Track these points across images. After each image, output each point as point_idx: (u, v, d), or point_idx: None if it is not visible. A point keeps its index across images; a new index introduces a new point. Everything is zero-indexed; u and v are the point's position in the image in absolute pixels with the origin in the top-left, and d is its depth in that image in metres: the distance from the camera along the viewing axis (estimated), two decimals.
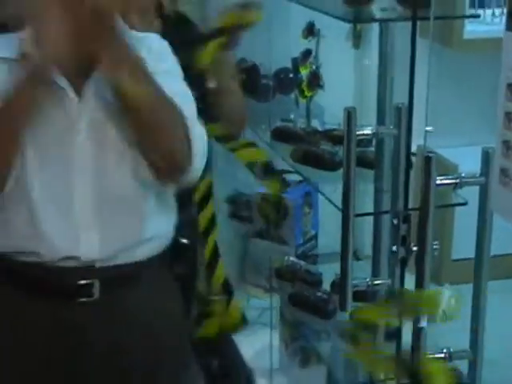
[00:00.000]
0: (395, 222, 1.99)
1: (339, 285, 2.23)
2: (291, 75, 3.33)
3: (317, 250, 3.40)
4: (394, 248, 2.00)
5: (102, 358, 2.23)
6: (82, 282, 2.18)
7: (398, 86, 2.37)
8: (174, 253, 2.36)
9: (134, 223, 2.22)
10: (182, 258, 2.48)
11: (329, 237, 3.23)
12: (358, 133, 2.12)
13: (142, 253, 2.25)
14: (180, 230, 2.38)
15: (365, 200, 2.57)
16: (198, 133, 2.18)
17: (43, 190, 2.18)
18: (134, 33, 2.25)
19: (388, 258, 2.26)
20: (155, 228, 2.26)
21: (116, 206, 2.20)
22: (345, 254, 2.15)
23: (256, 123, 3.12)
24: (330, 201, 2.50)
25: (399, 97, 2.30)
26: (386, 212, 2.28)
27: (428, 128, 2.05)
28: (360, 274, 2.36)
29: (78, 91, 2.11)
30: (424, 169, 1.91)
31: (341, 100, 3.21)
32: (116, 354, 2.25)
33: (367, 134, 2.14)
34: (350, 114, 2.09)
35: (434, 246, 1.93)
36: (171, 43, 2.50)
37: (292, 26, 3.38)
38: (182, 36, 2.86)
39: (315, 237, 3.37)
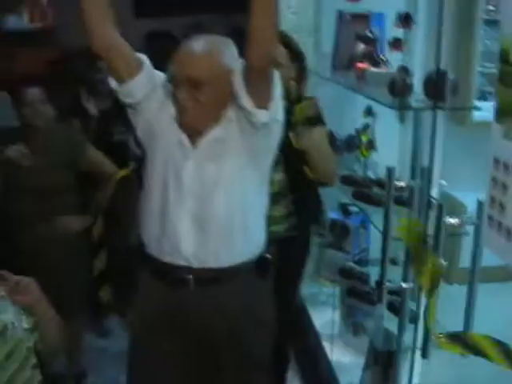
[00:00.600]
0: None
1: (379, 283, 2.26)
2: (355, 140, 3.33)
3: (367, 257, 3.40)
4: None
5: (196, 333, 2.26)
6: (182, 276, 2.22)
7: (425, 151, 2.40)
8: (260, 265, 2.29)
9: (225, 240, 2.19)
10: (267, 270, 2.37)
11: (375, 249, 3.25)
12: (396, 183, 2.17)
13: (231, 261, 2.21)
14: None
15: None
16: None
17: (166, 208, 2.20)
18: None
19: None
20: (243, 245, 2.23)
21: (211, 224, 2.17)
22: (383, 263, 2.18)
23: None
24: (375, 226, 2.53)
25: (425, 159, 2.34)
26: None
27: (443, 182, 2.09)
28: (396, 276, 2.39)
29: (193, 142, 2.16)
30: (437, 212, 1.94)
31: (389, 158, 3.27)
32: (206, 332, 2.26)
33: (402, 186, 2.18)
34: (390, 171, 2.14)
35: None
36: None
37: (358, 105, 3.37)
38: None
39: (367, 249, 3.38)
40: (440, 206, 1.94)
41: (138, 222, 2.34)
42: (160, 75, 2.27)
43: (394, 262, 3.16)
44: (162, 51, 5.41)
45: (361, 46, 3.06)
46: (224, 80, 2.09)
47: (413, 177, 2.28)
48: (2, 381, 2.02)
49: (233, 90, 2.09)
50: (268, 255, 2.32)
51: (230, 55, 2.16)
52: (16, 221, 3.35)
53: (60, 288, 3.37)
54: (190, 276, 2.19)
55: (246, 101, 2.03)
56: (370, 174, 3.10)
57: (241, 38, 5.88)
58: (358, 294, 3.00)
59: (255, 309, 2.29)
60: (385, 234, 2.17)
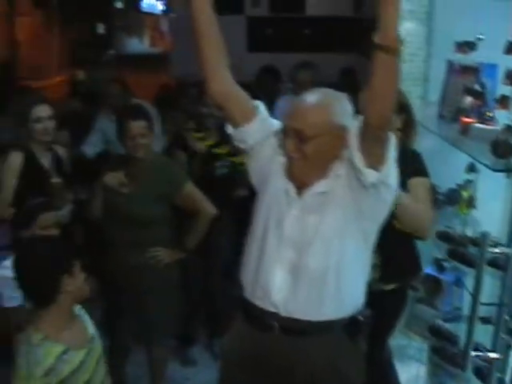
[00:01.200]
0: (507, 318, 1.96)
1: (464, 350, 2.19)
2: (456, 195, 3.19)
3: (460, 316, 3.27)
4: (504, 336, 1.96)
5: (278, 379, 2.26)
6: (269, 322, 2.22)
7: None
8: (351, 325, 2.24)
9: (316, 295, 2.16)
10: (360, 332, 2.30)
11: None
12: (491, 250, 2.10)
13: (319, 316, 2.17)
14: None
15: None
16: None
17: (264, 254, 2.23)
18: None
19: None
20: (335, 302, 2.18)
21: (305, 276, 2.15)
22: (470, 329, 2.11)
23: None
24: (466, 288, 2.46)
25: None
26: (504, 305, 2.22)
27: None
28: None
29: (299, 192, 2.18)
30: None
31: (491, 215, 3.17)
32: (287, 380, 2.25)
33: (497, 252, 2.11)
34: (484, 236, 2.07)
35: None
36: None
37: (462, 159, 3.28)
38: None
39: (460, 308, 3.25)
40: None
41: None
42: (274, 122, 2.33)
43: (487, 321, 3.09)
44: (267, 86, 5.61)
45: (468, 99, 2.99)
46: (333, 135, 2.11)
47: (510, 244, 2.20)
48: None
49: (343, 146, 2.10)
50: (361, 317, 2.28)
51: (342, 111, 2.16)
52: (110, 245, 3.48)
53: (148, 314, 3.49)
54: (276, 323, 2.20)
55: (358, 159, 2.02)
56: (469, 231, 3.01)
57: (349, 78, 5.91)
58: (445, 355, 2.92)
59: (341, 368, 2.25)
60: (474, 301, 2.10)
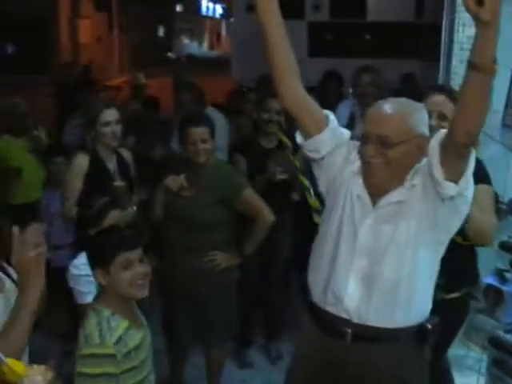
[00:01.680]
0: None
1: None
2: None
3: None
4: None
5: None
6: (341, 328, 2.25)
7: None
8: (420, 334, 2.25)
9: (388, 302, 2.18)
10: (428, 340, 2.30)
11: None
12: None
13: (391, 323, 2.20)
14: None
15: None
16: None
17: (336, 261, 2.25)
18: None
19: None
20: (406, 310, 2.20)
21: (378, 284, 2.18)
22: None
23: None
24: None
25: None
26: None
27: None
28: None
29: (374, 201, 2.20)
30: None
31: None
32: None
33: None
34: None
35: None
36: None
37: None
38: None
39: None
40: None
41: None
42: (344, 131, 2.35)
43: None
44: (331, 91, 5.63)
45: None
46: (412, 142, 2.14)
47: None
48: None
49: (422, 155, 2.13)
50: (429, 325, 2.29)
51: (420, 120, 2.19)
52: (170, 248, 3.56)
53: (207, 316, 3.55)
54: (349, 330, 2.23)
55: (438, 171, 2.04)
56: None
57: (410, 83, 5.88)
58: (504, 367, 2.90)
59: (406, 376, 2.27)
60: None
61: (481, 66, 1.82)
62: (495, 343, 2.85)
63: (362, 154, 2.18)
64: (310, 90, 5.29)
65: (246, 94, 5.47)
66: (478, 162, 2.94)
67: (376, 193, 2.21)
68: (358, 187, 2.24)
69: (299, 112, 2.28)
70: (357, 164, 2.25)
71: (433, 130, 2.44)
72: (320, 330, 2.32)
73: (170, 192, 3.47)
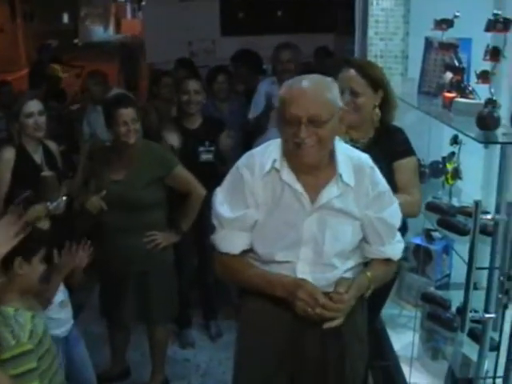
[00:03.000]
0: (501, 278, 2.08)
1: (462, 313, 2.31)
2: (441, 166, 3.33)
3: (449, 282, 3.42)
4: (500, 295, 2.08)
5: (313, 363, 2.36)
6: None
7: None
8: None
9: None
10: None
11: (458, 274, 3.27)
12: (482, 217, 2.22)
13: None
14: None
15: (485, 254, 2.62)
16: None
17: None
18: (344, 149, 2.31)
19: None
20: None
21: (323, 269, 2.26)
22: (467, 294, 2.23)
23: None
24: (460, 257, 2.57)
25: None
26: (496, 268, 2.34)
27: None
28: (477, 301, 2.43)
29: (312, 198, 2.24)
30: None
31: (474, 184, 3.31)
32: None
33: (488, 219, 2.24)
34: (477, 205, 2.20)
35: None
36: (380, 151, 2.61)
37: (445, 132, 3.38)
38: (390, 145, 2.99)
39: (449, 275, 3.40)
40: None
41: None
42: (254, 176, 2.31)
43: (475, 287, 3.19)
44: (246, 69, 5.67)
45: (448, 75, 3.09)
46: (336, 117, 2.22)
47: (498, 210, 2.32)
48: None
49: (342, 125, 2.28)
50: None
51: (337, 93, 2.26)
52: (107, 232, 3.57)
53: (148, 296, 3.58)
54: None
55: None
56: (455, 201, 3.14)
57: (323, 57, 5.93)
58: (438, 320, 3.02)
59: (358, 325, 2.41)
60: (469, 267, 2.23)
61: None
62: (427, 299, 2.98)
63: (293, 138, 2.18)
64: (222, 69, 5.42)
65: (162, 78, 5.47)
66: (402, 133, 3.08)
67: (310, 183, 2.26)
68: (289, 179, 2.26)
69: None
70: (270, 162, 2.27)
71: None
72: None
73: (103, 178, 3.46)
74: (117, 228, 3.50)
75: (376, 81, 3.01)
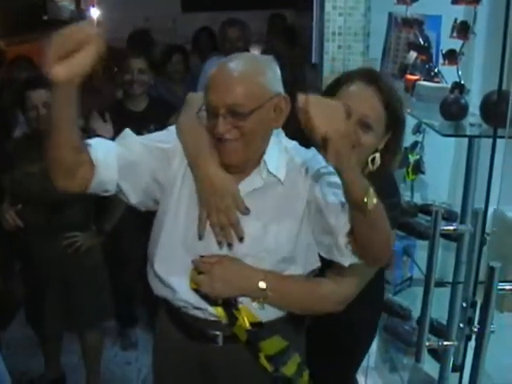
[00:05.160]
0: (464, 305, 1.70)
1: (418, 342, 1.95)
2: (402, 158, 2.93)
3: (410, 286, 3.09)
4: (461, 325, 1.70)
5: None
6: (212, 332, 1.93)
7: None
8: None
9: None
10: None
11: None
12: (443, 228, 1.84)
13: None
14: None
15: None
16: None
17: None
18: (286, 143, 1.87)
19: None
20: None
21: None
22: (423, 323, 1.86)
23: None
24: (416, 265, 2.23)
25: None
26: (459, 283, 1.97)
27: None
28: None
29: None
30: None
31: (442, 179, 3.00)
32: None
33: (449, 229, 1.86)
34: (436, 213, 1.81)
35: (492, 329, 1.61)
36: None
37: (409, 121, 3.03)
38: None
39: (410, 278, 3.06)
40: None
41: None
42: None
43: (440, 284, 2.86)
44: (203, 46, 5.28)
45: (413, 55, 2.72)
46: (268, 106, 1.74)
47: (463, 219, 1.94)
48: None
49: (281, 116, 1.77)
50: None
51: (272, 77, 1.78)
52: (25, 232, 3.11)
53: (76, 300, 3.20)
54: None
55: (342, 239, 1.70)
56: (418, 198, 2.78)
57: (279, 35, 5.56)
58: (395, 333, 2.72)
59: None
60: (427, 282, 1.84)
61: (352, 205, 1.58)
62: (385, 308, 2.63)
63: (212, 131, 1.76)
64: (178, 48, 5.03)
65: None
66: (393, 196, 2.50)
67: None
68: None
69: None
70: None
71: None
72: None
73: (18, 171, 3.03)
74: (34, 227, 3.06)
75: (395, 118, 2.01)
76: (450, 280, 2.21)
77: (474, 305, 1.62)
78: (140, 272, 4.02)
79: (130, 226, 3.45)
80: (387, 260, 1.72)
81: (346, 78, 1.98)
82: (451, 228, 1.85)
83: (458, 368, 2.11)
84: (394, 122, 1.97)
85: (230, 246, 1.81)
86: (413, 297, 3.07)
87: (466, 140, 2.48)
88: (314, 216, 1.78)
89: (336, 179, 1.62)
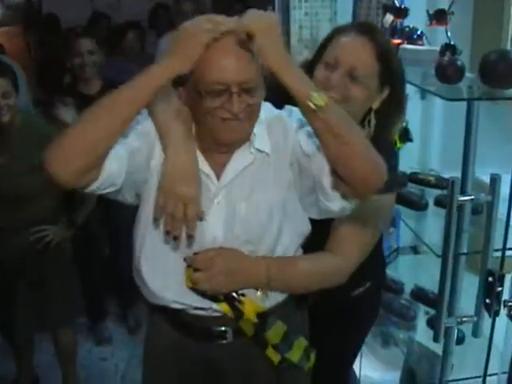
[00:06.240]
0: (490, 279, 1.59)
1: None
2: None
3: (398, 259, 3.02)
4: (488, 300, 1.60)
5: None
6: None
7: None
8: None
9: None
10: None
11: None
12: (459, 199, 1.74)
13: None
14: None
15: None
16: None
17: None
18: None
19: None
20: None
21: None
22: (440, 303, 1.75)
23: None
24: (410, 228, 2.14)
25: None
26: (477, 252, 1.84)
27: None
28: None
29: (218, 175, 1.72)
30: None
31: (427, 148, 3.02)
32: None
33: (464, 200, 1.75)
34: (453, 184, 1.71)
35: None
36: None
37: None
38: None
39: (397, 249, 2.99)
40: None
41: None
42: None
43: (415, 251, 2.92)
44: (161, 23, 5.06)
45: (389, 18, 2.60)
46: (261, 76, 1.63)
47: (463, 189, 1.84)
48: None
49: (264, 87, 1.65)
50: None
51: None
52: None
53: (46, 298, 3.05)
54: None
55: (327, 179, 1.56)
56: (405, 168, 2.69)
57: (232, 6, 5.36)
58: (390, 308, 2.64)
59: None
60: (444, 260, 1.74)
61: (303, 108, 1.48)
62: None
63: (219, 113, 1.60)
64: (133, 25, 4.83)
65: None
66: (392, 157, 2.31)
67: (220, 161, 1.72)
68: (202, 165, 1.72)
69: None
70: None
71: None
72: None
73: None
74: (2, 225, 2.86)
75: (391, 72, 1.82)
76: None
77: (500, 278, 1.52)
78: (107, 263, 3.95)
79: (93, 216, 3.33)
80: (377, 184, 1.49)
81: (341, 29, 1.86)
82: (467, 198, 1.74)
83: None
84: (390, 76, 1.81)
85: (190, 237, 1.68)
86: (401, 268, 3.01)
87: (434, 104, 2.39)
88: (298, 178, 1.68)
89: (308, 128, 1.57)
